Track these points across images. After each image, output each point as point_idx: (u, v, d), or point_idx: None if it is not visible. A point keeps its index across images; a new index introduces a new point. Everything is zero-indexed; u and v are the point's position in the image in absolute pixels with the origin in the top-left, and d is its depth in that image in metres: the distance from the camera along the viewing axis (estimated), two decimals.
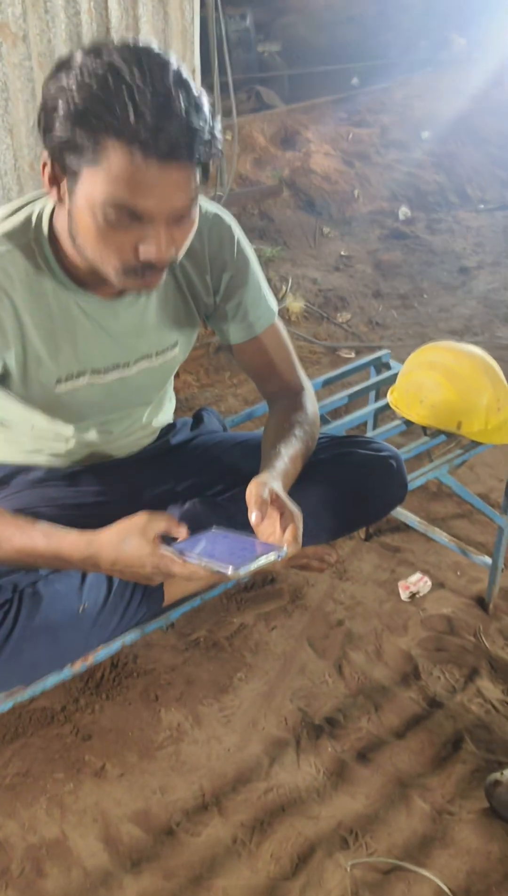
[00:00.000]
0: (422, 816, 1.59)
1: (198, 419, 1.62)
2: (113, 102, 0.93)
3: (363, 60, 6.16)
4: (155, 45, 0.99)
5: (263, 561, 1.07)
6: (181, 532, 1.14)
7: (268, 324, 1.39)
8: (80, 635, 1.22)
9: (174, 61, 0.98)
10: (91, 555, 1.15)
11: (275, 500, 1.14)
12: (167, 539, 1.14)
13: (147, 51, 0.97)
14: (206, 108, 0.99)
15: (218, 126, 1.02)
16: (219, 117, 1.03)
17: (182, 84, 0.96)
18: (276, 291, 3.66)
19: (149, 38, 2.71)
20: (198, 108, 0.97)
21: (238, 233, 1.32)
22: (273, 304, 1.40)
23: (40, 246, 1.15)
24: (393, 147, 5.09)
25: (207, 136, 0.98)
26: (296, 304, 3.63)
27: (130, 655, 1.89)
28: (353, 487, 1.40)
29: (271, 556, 1.08)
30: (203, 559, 1.09)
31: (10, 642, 1.13)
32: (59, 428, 1.32)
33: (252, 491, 1.13)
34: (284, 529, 1.12)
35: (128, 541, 1.12)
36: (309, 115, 5.20)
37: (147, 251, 1.04)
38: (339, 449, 1.43)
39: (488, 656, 1.92)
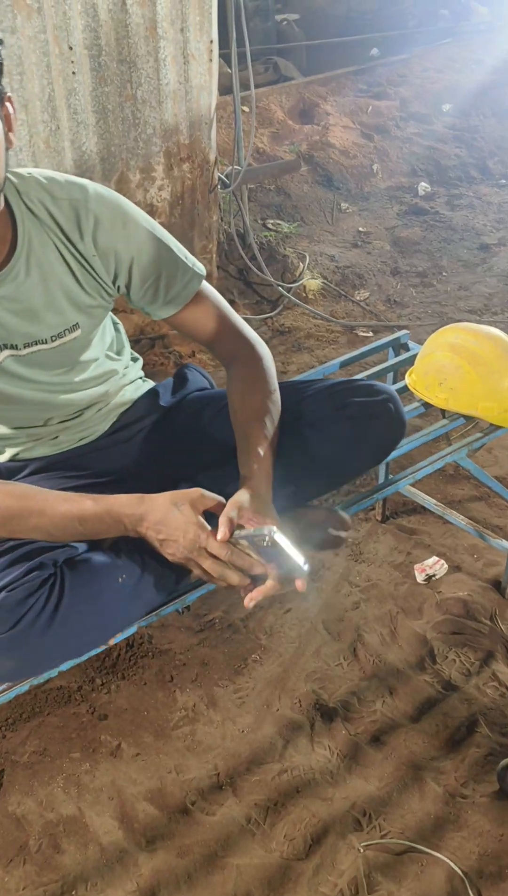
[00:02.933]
0: (435, 799, 1.59)
1: (181, 378, 1.59)
2: None
3: (382, 30, 6.02)
4: None
5: (297, 558, 1.13)
6: (229, 513, 1.16)
7: (192, 293, 1.35)
8: (121, 605, 1.23)
9: None
10: (142, 513, 1.18)
11: (251, 518, 1.17)
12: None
13: None
14: None
15: None
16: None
17: None
18: (293, 269, 3.62)
19: (166, 10, 2.67)
20: None
21: (128, 209, 1.27)
22: (196, 268, 1.35)
23: None
24: (413, 120, 5.00)
25: None
26: (313, 282, 3.60)
27: (145, 636, 1.91)
28: (353, 436, 1.37)
29: (300, 563, 1.14)
30: (241, 533, 1.15)
31: (59, 615, 1.14)
32: (12, 425, 1.34)
33: (225, 510, 1.17)
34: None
35: (179, 506, 1.16)
36: (328, 87, 5.11)
37: None
38: (335, 400, 1.39)
39: (504, 640, 1.92)
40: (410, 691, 1.80)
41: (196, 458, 1.43)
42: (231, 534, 1.15)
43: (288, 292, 3.42)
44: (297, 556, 1.12)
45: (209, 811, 1.57)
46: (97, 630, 1.22)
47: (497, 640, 1.92)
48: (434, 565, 2.10)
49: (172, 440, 1.47)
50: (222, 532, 1.14)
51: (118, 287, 1.31)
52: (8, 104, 1.11)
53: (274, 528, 1.12)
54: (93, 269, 1.27)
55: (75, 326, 1.29)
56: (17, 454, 1.41)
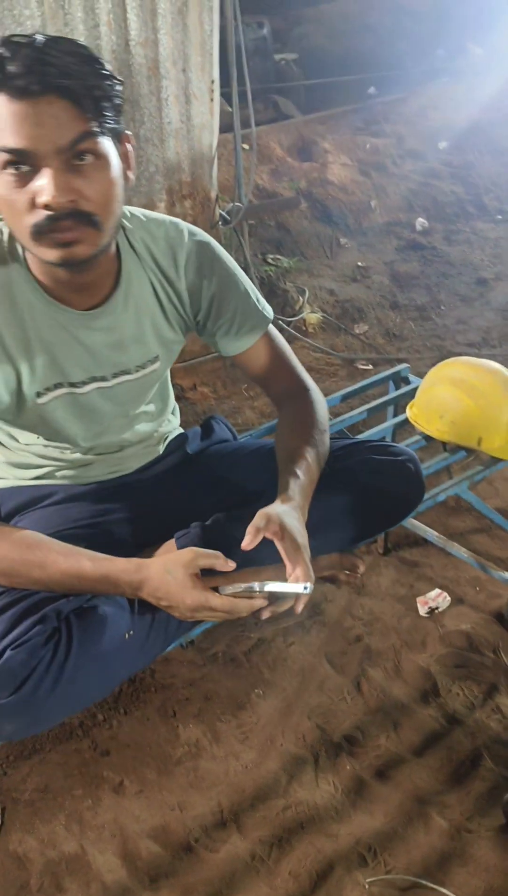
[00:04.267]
0: (440, 833, 1.58)
1: (208, 428, 1.63)
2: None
3: (379, 70, 6.17)
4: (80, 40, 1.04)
5: (290, 586, 1.15)
6: (228, 566, 1.17)
7: (262, 331, 1.41)
8: (127, 660, 1.23)
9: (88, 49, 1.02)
10: (140, 580, 1.17)
11: (277, 531, 1.17)
12: (211, 574, 1.17)
13: (69, 38, 1.02)
14: (86, 51, 1.01)
15: (105, 67, 1.03)
16: (109, 66, 1.04)
17: (68, 40, 1.00)
18: (293, 303, 3.67)
19: (168, 51, 2.73)
20: (75, 51, 1.00)
21: (218, 251, 1.34)
22: (265, 311, 1.42)
23: (15, 258, 1.17)
24: (410, 157, 5.09)
25: (84, 76, 0.99)
26: (313, 316, 3.64)
27: (147, 670, 1.90)
28: (372, 493, 1.41)
29: (298, 586, 1.14)
30: (230, 587, 1.15)
31: (65, 674, 1.11)
32: (52, 444, 1.34)
33: (254, 521, 1.17)
34: (291, 560, 1.15)
35: (172, 574, 1.15)
36: (326, 125, 5.21)
37: (39, 192, 1.02)
38: (357, 456, 1.44)
39: (507, 672, 1.91)
40: (414, 725, 1.79)
41: (215, 504, 1.44)
42: (253, 544, 1.14)
43: (288, 326, 3.46)
44: (294, 588, 1.13)
45: (213, 848, 1.55)
46: (103, 684, 1.21)
47: (500, 672, 1.91)
48: (437, 598, 2.10)
49: (194, 486, 1.49)
50: (246, 541, 1.14)
51: (197, 321, 1.37)
52: (127, 143, 1.13)
53: (265, 583, 1.12)
54: (180, 304, 1.33)
55: (156, 358, 1.35)
56: (43, 474, 1.41)
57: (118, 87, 1.05)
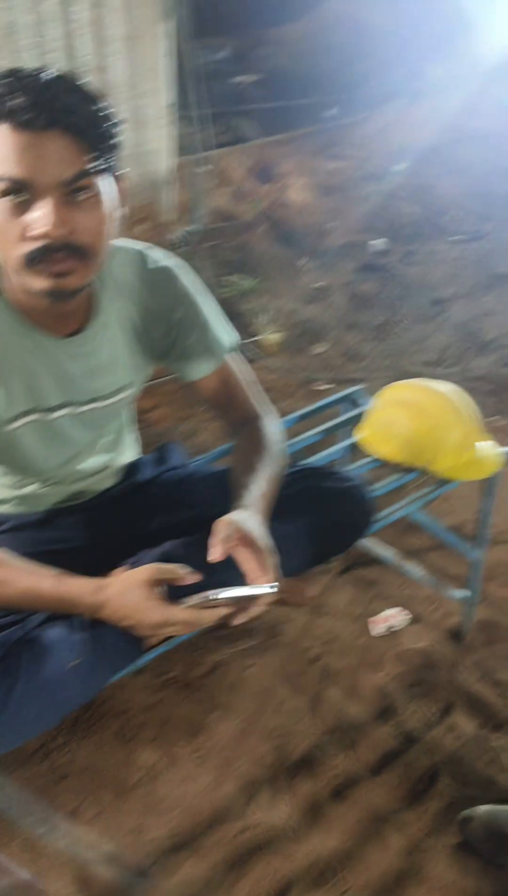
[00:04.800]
0: (398, 852, 1.59)
1: (161, 454, 1.63)
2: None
3: (340, 91, 6.25)
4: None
5: (256, 589, 1.13)
6: (193, 577, 1.16)
7: (220, 360, 1.42)
8: (75, 689, 1.22)
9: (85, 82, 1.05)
10: (100, 601, 1.17)
11: (242, 537, 1.17)
12: (174, 590, 1.16)
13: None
14: (91, 90, 1.04)
15: (107, 107, 1.06)
16: (108, 103, 1.07)
17: (73, 78, 1.03)
18: (252, 324, 3.70)
19: (120, 76, 2.76)
20: (76, 89, 1.03)
21: (186, 275, 1.36)
22: (230, 336, 1.43)
23: None
24: (369, 179, 5.16)
25: (85, 109, 1.02)
26: (272, 336, 3.67)
27: (103, 696, 1.89)
28: (322, 520, 1.42)
29: (265, 588, 1.13)
30: (195, 597, 1.13)
31: (12, 701, 1.11)
32: (15, 470, 1.34)
33: (214, 530, 1.16)
34: (260, 564, 1.15)
35: (132, 593, 1.14)
36: (286, 148, 5.27)
37: (36, 222, 1.04)
38: (306, 482, 1.45)
39: (463, 690, 1.94)
40: (371, 744, 1.81)
41: (167, 531, 1.44)
42: (221, 555, 1.14)
43: (248, 347, 3.49)
44: (260, 589, 1.13)
45: (170, 872, 1.55)
46: (52, 714, 1.20)
47: (456, 690, 1.94)
48: (393, 616, 2.13)
49: (145, 513, 1.49)
50: (214, 553, 1.14)
51: (165, 346, 1.38)
52: (121, 183, 1.16)
53: (217, 591, 1.12)
54: (151, 328, 1.34)
55: (127, 385, 1.36)
56: None
57: (118, 128, 1.09)
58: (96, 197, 1.08)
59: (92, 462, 1.43)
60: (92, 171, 1.06)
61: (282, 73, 6.61)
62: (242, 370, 1.47)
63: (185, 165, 3.85)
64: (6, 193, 1.03)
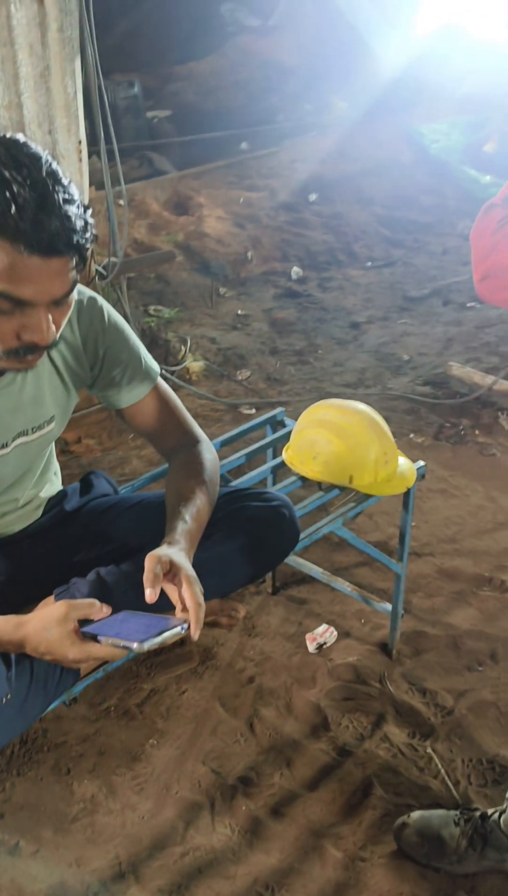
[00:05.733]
0: (335, 865, 1.62)
1: (87, 484, 1.64)
2: None
3: (251, 125, 6.41)
4: (21, 137, 1.06)
5: (168, 635, 1.13)
6: (103, 612, 1.17)
7: (152, 384, 1.45)
8: (7, 724, 1.21)
9: (42, 153, 1.05)
10: (19, 638, 1.18)
11: (169, 571, 1.19)
12: (82, 622, 1.17)
13: (17, 144, 1.03)
14: (77, 198, 1.06)
15: (89, 214, 1.09)
16: (90, 210, 1.09)
17: (55, 177, 1.03)
18: (176, 352, 3.74)
19: (33, 113, 2.78)
20: (72, 201, 1.04)
21: (107, 307, 1.40)
22: (154, 365, 1.46)
23: None
24: (283, 209, 5.30)
25: (82, 228, 1.05)
26: (196, 364, 3.72)
27: (39, 730, 1.87)
28: (249, 540, 1.46)
29: (176, 630, 1.14)
30: (111, 639, 1.13)
31: None
32: None
33: (145, 567, 1.18)
34: (182, 598, 1.17)
35: (49, 631, 1.15)
36: (200, 181, 5.37)
37: (31, 335, 1.09)
38: (233, 504, 1.49)
39: (393, 701, 1.99)
40: (306, 761, 1.84)
41: (95, 560, 1.45)
42: (157, 594, 1.16)
43: (172, 375, 3.52)
44: (167, 635, 1.13)
45: None
46: None
47: (386, 701, 1.99)
48: (324, 633, 2.17)
49: (72, 542, 1.50)
50: (149, 594, 1.15)
51: (92, 376, 1.40)
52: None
53: (144, 643, 1.11)
54: (76, 360, 1.36)
55: (52, 419, 1.37)
56: None
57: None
58: (72, 296, 1.13)
59: (19, 497, 1.43)
60: (77, 282, 1.11)
61: (192, 109, 6.74)
62: (170, 396, 1.50)
63: (101, 199, 3.89)
64: (2, 303, 1.05)
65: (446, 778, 1.80)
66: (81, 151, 2.93)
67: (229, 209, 5.10)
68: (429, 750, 1.86)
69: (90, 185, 3.20)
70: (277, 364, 3.85)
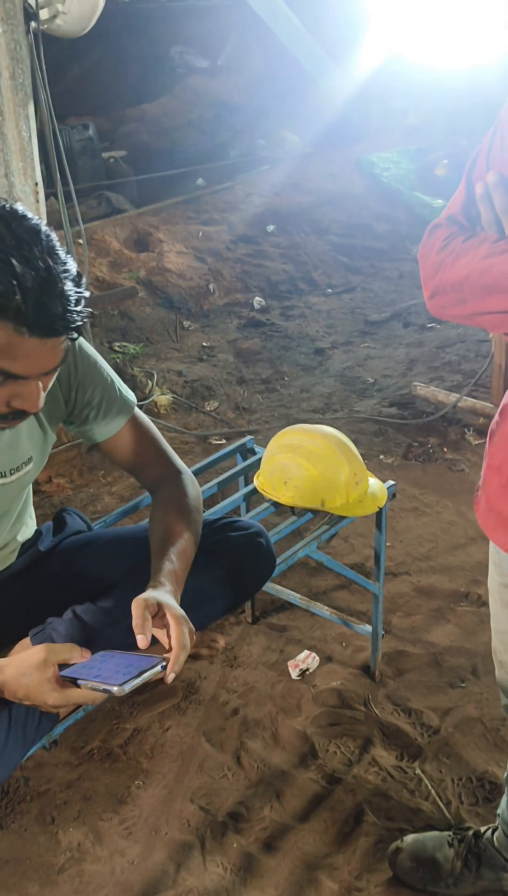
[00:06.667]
0: None
1: (60, 522, 1.62)
2: None
3: (205, 162, 6.50)
4: (20, 207, 1.06)
5: (147, 675, 1.12)
6: (83, 656, 1.15)
7: (129, 415, 1.44)
8: None
9: (39, 223, 1.05)
10: None
11: (156, 613, 1.18)
12: (61, 665, 1.15)
13: (16, 217, 1.04)
14: (73, 270, 1.07)
15: (84, 285, 1.10)
16: (84, 280, 1.10)
17: (53, 253, 1.04)
18: (143, 387, 3.73)
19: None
20: (70, 277, 1.05)
21: (78, 340, 1.37)
22: (129, 395, 1.46)
23: None
24: (242, 242, 5.35)
25: (80, 309, 1.07)
26: (164, 398, 3.71)
27: (20, 779, 1.83)
28: (226, 571, 1.45)
29: (156, 668, 1.13)
30: (90, 682, 1.11)
31: None
32: None
33: (134, 613, 1.17)
34: (170, 638, 1.16)
35: (28, 676, 1.13)
36: (159, 217, 5.41)
37: (22, 403, 1.11)
38: (210, 537, 1.47)
39: (379, 724, 1.97)
40: (296, 791, 1.81)
41: (71, 598, 1.43)
42: (149, 640, 1.15)
43: (140, 409, 3.51)
44: (147, 675, 1.12)
45: None
46: None
47: (372, 724, 1.97)
48: (307, 659, 2.15)
49: (48, 582, 1.48)
50: (140, 640, 1.14)
51: (67, 411, 1.39)
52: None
53: (123, 686, 1.09)
54: (51, 399, 1.34)
55: (30, 460, 1.35)
56: None
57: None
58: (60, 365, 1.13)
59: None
60: (70, 347, 1.12)
61: (147, 148, 6.83)
62: (148, 427, 1.49)
63: (60, 239, 3.90)
64: None
65: (437, 799, 1.78)
66: (38, 193, 2.95)
67: (189, 243, 5.14)
68: (418, 771, 1.84)
69: (48, 225, 3.21)
70: (244, 393, 3.85)
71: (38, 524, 1.59)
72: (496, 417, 1.25)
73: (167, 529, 1.36)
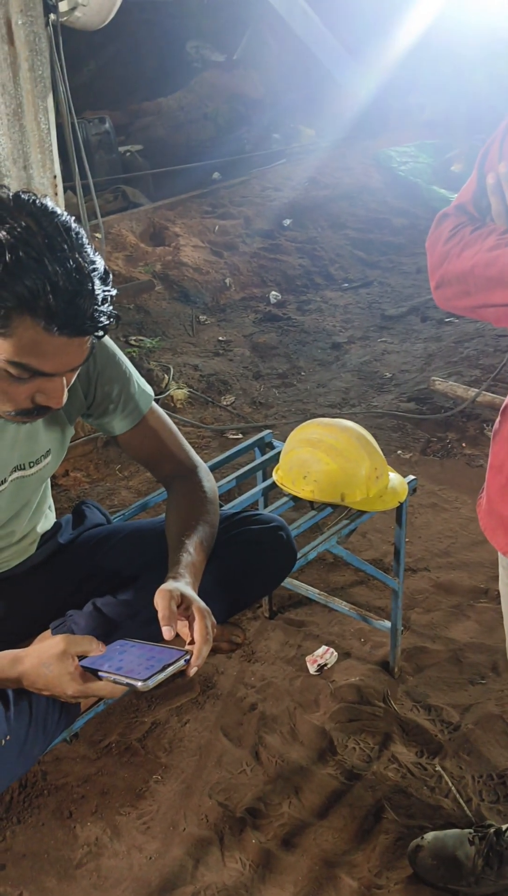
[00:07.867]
0: (351, 895, 1.57)
1: (79, 515, 1.62)
2: (24, 280, 0.98)
3: (221, 156, 6.48)
4: (50, 203, 1.04)
5: (171, 669, 1.10)
6: (100, 650, 1.15)
7: (147, 408, 1.43)
8: (7, 766, 1.17)
9: (69, 220, 1.04)
10: (17, 675, 1.15)
11: (181, 604, 1.18)
12: (80, 656, 1.15)
13: (46, 213, 1.02)
14: (101, 267, 1.06)
15: (111, 282, 1.09)
16: (111, 277, 1.09)
17: (82, 251, 1.03)
18: (159, 381, 3.72)
19: (8, 150, 2.79)
20: (100, 276, 1.04)
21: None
22: (148, 388, 1.45)
23: None
24: (258, 236, 5.33)
25: (109, 309, 1.06)
26: (180, 392, 3.70)
27: (38, 773, 1.82)
28: (246, 563, 1.44)
29: (179, 662, 1.12)
30: (113, 675, 1.11)
31: None
32: None
33: (159, 605, 1.16)
34: (192, 632, 1.16)
35: (48, 667, 1.13)
36: (175, 211, 5.40)
37: (46, 400, 1.11)
38: (230, 530, 1.46)
39: (398, 720, 1.95)
40: (315, 787, 1.80)
41: (91, 591, 1.43)
42: (175, 631, 1.14)
43: (157, 403, 3.50)
44: (170, 669, 1.11)
45: None
46: None
47: (392, 721, 1.95)
48: (325, 654, 2.14)
49: (68, 575, 1.47)
50: (166, 632, 1.14)
51: (86, 404, 1.38)
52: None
53: (131, 676, 1.09)
54: (71, 392, 1.33)
55: (49, 453, 1.35)
56: None
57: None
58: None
59: (16, 531, 1.40)
60: (95, 344, 1.12)
61: (163, 142, 6.82)
62: (165, 422, 1.48)
63: None
64: (21, 373, 1.06)
65: (457, 796, 1.76)
66: (56, 186, 2.94)
67: (205, 238, 5.12)
68: (438, 768, 1.83)
69: None
70: (261, 388, 3.84)
71: (57, 518, 1.59)
72: (498, 417, 1.23)
73: (184, 522, 1.36)
